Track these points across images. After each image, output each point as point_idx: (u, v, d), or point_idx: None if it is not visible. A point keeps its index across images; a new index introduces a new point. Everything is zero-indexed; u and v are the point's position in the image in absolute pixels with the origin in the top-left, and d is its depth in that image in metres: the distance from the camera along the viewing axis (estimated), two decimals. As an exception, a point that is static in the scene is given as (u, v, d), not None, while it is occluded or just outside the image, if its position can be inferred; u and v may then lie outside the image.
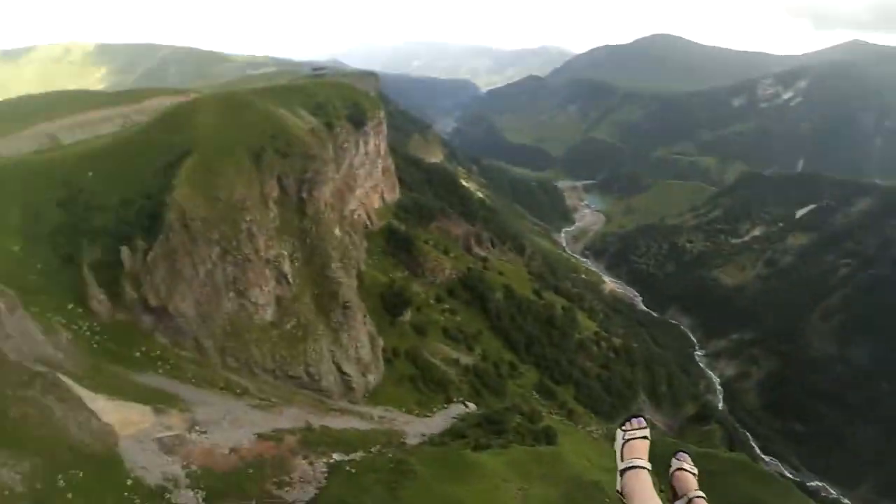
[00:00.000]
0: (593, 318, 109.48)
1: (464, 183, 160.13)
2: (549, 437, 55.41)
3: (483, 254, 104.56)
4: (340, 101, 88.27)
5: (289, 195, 65.13)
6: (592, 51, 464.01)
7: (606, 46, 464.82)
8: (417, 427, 59.32)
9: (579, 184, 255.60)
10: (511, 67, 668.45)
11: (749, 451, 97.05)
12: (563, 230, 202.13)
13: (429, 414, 64.60)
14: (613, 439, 3.22)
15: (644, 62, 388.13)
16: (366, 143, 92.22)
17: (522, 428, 59.08)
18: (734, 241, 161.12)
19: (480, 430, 57.92)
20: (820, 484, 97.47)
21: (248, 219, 56.94)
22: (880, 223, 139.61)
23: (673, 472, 3.24)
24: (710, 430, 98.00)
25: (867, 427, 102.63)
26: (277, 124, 69.26)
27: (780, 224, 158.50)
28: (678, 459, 3.28)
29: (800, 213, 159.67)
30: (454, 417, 64.20)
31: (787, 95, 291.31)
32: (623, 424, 3.19)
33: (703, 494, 2.99)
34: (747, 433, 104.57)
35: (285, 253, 60.94)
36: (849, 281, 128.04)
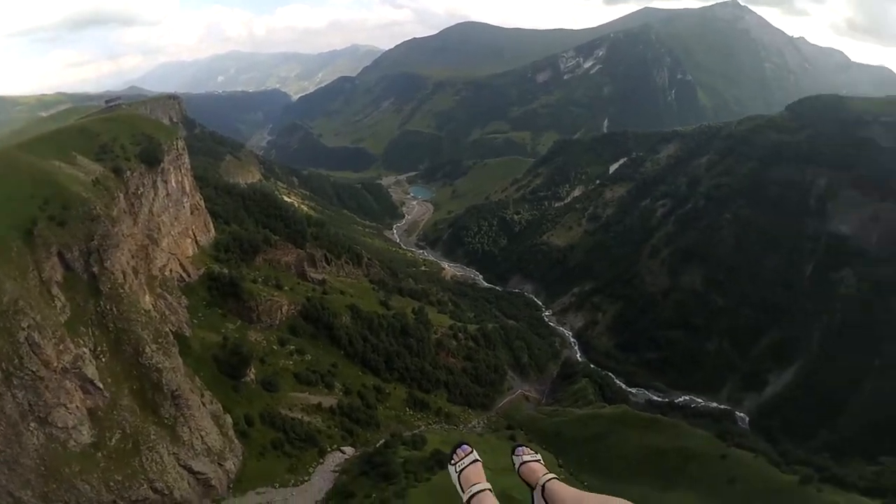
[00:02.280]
0: (444, 311, 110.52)
1: (286, 199, 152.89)
2: (440, 461, 53.03)
3: (320, 276, 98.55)
4: (129, 137, 74.83)
5: (76, 273, 52.45)
6: (400, 45, 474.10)
7: (414, 40, 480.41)
8: (298, 501, 53.73)
9: (403, 177, 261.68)
10: (321, 71, 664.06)
11: (617, 390, 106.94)
12: (395, 226, 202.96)
13: (305, 478, 58.81)
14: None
15: (451, 51, 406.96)
16: (165, 182, 78.70)
17: (411, 461, 56.73)
18: (557, 204, 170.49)
19: (367, 480, 54.32)
20: (687, 397, 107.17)
21: (25, 324, 43.71)
22: (686, 164, 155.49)
23: (518, 469, 3.26)
24: (579, 386, 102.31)
25: (713, 339, 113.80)
26: (50, 184, 55.78)
27: (597, 181, 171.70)
28: (517, 455, 3.33)
29: (613, 167, 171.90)
30: (334, 470, 59.90)
31: (587, 65, 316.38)
32: (451, 459, 3.23)
33: (553, 475, 3.04)
34: (610, 374, 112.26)
35: (86, 351, 48.57)
36: (668, 219, 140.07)
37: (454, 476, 3.15)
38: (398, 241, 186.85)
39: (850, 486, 61.76)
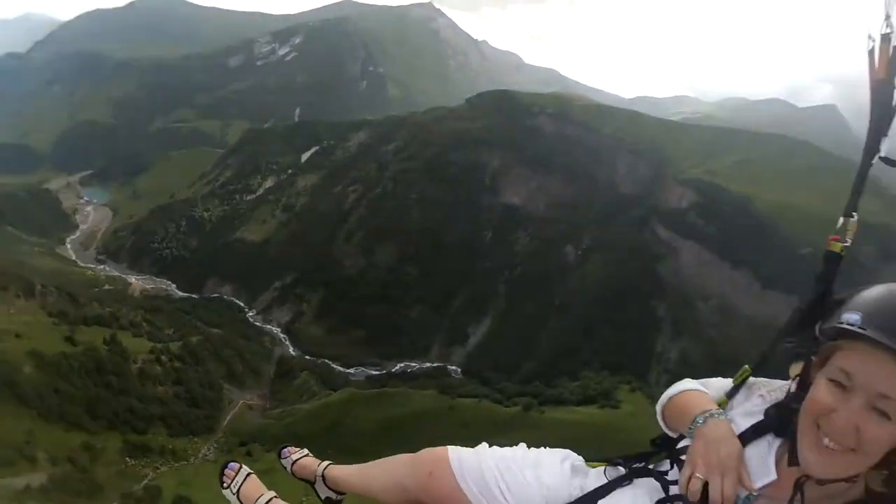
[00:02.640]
0: (140, 333, 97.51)
1: None
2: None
3: None
4: None
5: None
6: (81, 17, 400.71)
7: (98, 11, 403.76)
8: None
9: (75, 178, 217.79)
10: None
11: (337, 374, 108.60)
12: (68, 240, 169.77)
13: None
14: (231, 450, 2.90)
15: (140, 27, 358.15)
16: None
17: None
18: (249, 197, 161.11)
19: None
20: (402, 364, 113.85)
21: None
22: (375, 151, 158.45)
23: (292, 470, 3.17)
24: (300, 381, 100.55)
25: (413, 308, 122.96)
26: None
27: (289, 171, 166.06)
28: (285, 458, 3.20)
29: (304, 157, 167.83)
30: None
31: (282, 52, 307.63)
32: (222, 483, 3.01)
33: (329, 462, 3.02)
34: (326, 360, 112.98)
35: None
36: (360, 203, 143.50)
37: (233, 499, 2.86)
38: (74, 257, 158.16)
39: (566, 402, 74.47)
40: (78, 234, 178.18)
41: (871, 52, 1.80)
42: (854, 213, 1.81)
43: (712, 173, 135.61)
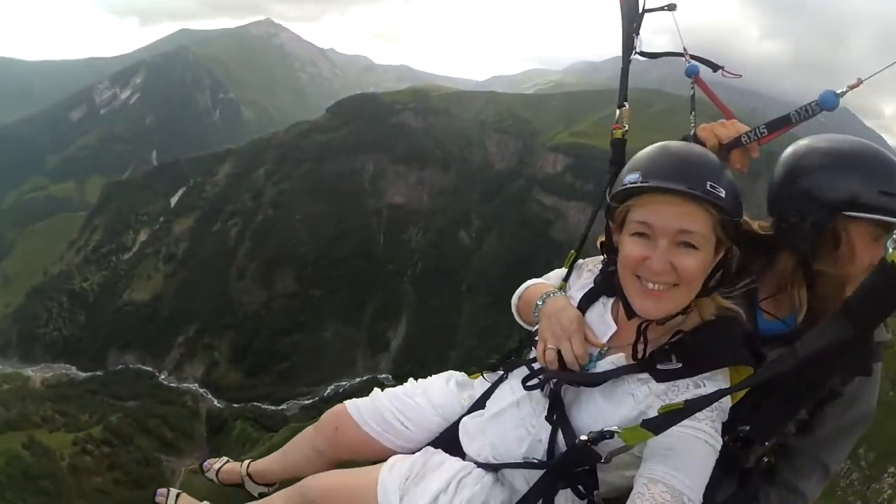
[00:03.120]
0: (57, 427, 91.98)
1: None
2: None
3: None
4: None
5: None
6: None
7: None
8: None
9: None
10: None
11: (272, 414, 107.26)
12: None
13: None
14: None
15: None
16: None
17: None
18: (127, 256, 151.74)
19: None
20: (333, 385, 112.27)
21: None
22: (246, 179, 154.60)
23: (218, 480, 3.25)
24: (238, 431, 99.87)
25: (326, 327, 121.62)
26: None
27: (161, 218, 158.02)
28: (207, 471, 3.28)
29: (174, 200, 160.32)
30: None
31: (125, 94, 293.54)
32: None
33: (249, 459, 3.11)
34: (255, 403, 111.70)
35: None
36: (244, 236, 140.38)
37: None
38: None
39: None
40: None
41: None
42: (625, 104, 2.19)
43: (577, 135, 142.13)
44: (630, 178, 1.68)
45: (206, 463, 3.28)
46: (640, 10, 2.16)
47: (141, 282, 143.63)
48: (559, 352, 1.86)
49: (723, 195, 1.62)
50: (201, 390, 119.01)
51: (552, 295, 2.08)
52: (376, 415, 2.28)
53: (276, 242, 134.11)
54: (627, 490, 1.60)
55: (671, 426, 1.49)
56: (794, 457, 1.92)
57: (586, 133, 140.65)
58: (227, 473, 3.16)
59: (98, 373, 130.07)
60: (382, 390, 2.38)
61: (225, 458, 3.29)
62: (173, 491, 2.88)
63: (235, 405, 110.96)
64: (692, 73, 2.05)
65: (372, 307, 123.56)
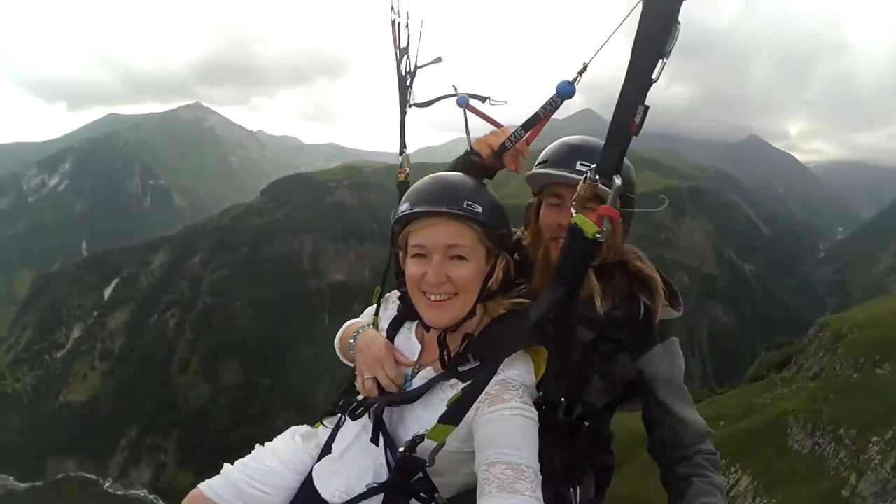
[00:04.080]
0: None
1: None
2: None
3: None
4: None
5: None
6: None
7: None
8: None
9: None
10: None
11: None
12: None
13: None
14: None
15: None
16: None
17: None
18: (60, 353, 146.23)
19: None
20: None
21: None
22: (181, 267, 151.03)
23: None
24: None
25: (279, 418, 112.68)
26: None
27: (95, 313, 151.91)
28: None
29: (107, 292, 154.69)
30: None
31: (53, 181, 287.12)
32: None
33: None
34: None
35: None
36: (183, 328, 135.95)
37: None
38: None
39: None
40: None
41: (393, 23, 2.42)
42: (405, 150, 2.62)
43: (506, 197, 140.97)
44: (403, 207, 1.92)
45: None
46: (413, 68, 2.47)
47: (77, 381, 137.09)
48: (376, 379, 2.05)
49: (480, 210, 1.86)
50: (151, 496, 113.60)
51: (362, 330, 2.28)
52: (232, 489, 2.27)
53: (218, 332, 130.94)
54: (475, 485, 1.70)
55: (463, 413, 1.67)
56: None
57: (513, 195, 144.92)
58: None
59: (37, 483, 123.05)
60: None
61: None
62: None
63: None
64: (462, 103, 2.28)
65: (322, 390, 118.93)
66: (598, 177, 1.53)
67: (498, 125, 2.28)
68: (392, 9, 2.40)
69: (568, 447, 2.02)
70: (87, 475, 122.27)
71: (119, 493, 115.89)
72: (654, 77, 1.41)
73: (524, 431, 1.72)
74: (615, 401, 2.20)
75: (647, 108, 1.44)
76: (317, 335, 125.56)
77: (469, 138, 2.31)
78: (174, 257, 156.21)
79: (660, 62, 1.39)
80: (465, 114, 2.32)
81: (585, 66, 1.73)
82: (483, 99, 2.31)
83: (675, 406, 2.19)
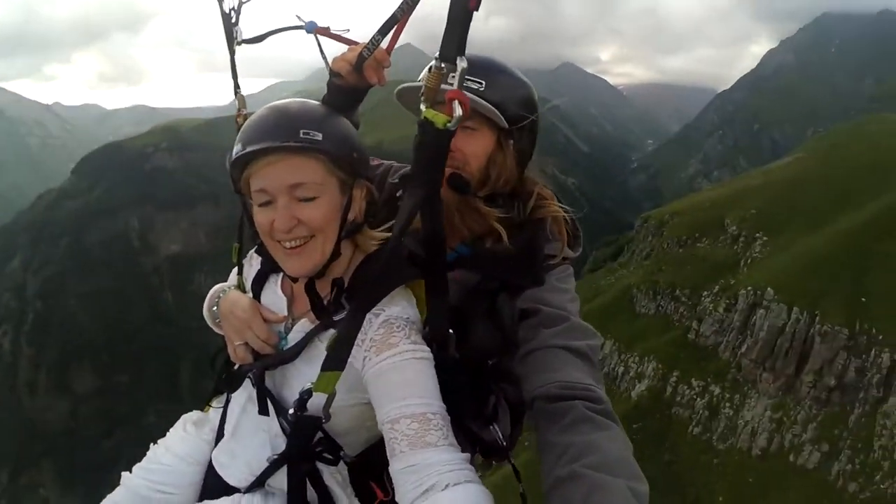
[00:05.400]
0: None
1: None
2: None
3: None
4: None
5: None
6: None
7: None
8: None
9: None
10: None
11: None
12: None
13: None
14: None
15: None
16: None
17: None
18: None
19: None
20: None
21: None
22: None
23: None
24: None
25: (153, 405, 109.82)
26: None
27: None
28: None
29: None
30: None
31: None
32: None
33: None
34: None
35: None
36: (18, 344, 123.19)
37: None
38: None
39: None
40: None
41: None
42: (239, 90, 2.28)
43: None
44: (235, 150, 1.69)
45: None
46: (238, 3, 2.17)
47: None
48: (248, 344, 1.87)
49: (319, 138, 1.62)
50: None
51: (223, 292, 2.08)
52: (135, 498, 2.09)
53: (59, 339, 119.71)
54: (380, 437, 1.62)
55: (345, 355, 1.53)
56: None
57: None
58: None
59: None
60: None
61: None
62: None
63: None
64: (312, 30, 2.03)
65: (186, 370, 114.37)
66: (443, 64, 1.41)
67: (353, 43, 2.04)
68: None
69: (475, 385, 1.83)
70: None
71: None
72: None
73: (420, 375, 1.60)
74: (512, 343, 1.92)
75: None
76: (164, 315, 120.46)
77: (327, 64, 2.08)
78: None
79: None
80: (317, 40, 2.08)
81: None
82: (324, 30, 2.09)
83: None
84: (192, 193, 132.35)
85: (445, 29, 1.42)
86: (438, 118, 1.42)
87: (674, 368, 42.66)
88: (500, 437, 1.80)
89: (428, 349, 1.66)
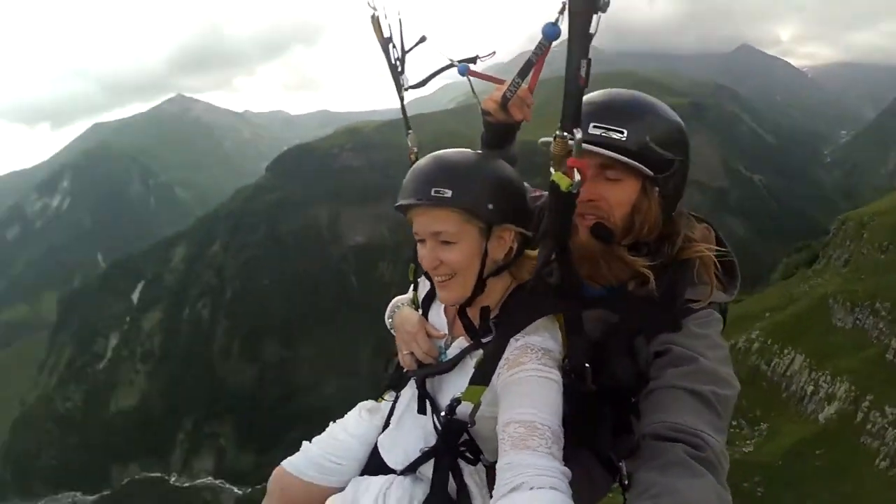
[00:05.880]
0: None
1: None
2: None
3: None
4: None
5: None
6: None
7: None
8: None
9: None
10: None
11: None
12: None
13: None
14: None
15: None
16: None
17: None
18: (102, 365, 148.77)
19: None
20: None
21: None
22: (203, 258, 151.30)
23: None
24: None
25: (329, 384, 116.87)
26: None
27: (128, 318, 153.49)
28: None
29: (135, 296, 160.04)
30: None
31: (55, 202, 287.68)
32: None
33: None
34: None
35: None
36: (218, 315, 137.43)
37: None
38: None
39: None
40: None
41: (373, 17, 2.45)
42: (410, 131, 2.83)
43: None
44: (399, 200, 2.03)
45: None
46: (402, 53, 2.48)
47: (124, 387, 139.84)
48: (413, 353, 2.24)
49: (449, 195, 1.88)
50: (217, 481, 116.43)
51: (398, 308, 2.49)
52: (310, 463, 2.55)
53: (252, 313, 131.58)
54: None
55: (489, 373, 1.86)
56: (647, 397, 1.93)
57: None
58: None
59: (106, 492, 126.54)
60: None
61: None
62: None
63: (258, 486, 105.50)
64: (463, 72, 2.24)
65: (365, 351, 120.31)
66: (564, 133, 1.60)
67: (500, 81, 2.18)
68: (369, 4, 2.45)
69: (617, 419, 1.98)
70: (152, 475, 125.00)
71: (186, 484, 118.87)
72: (591, 31, 1.52)
73: (539, 389, 1.78)
74: (645, 382, 1.97)
75: (589, 61, 1.56)
76: (348, 298, 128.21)
77: (479, 102, 2.28)
78: (194, 249, 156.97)
79: (595, 17, 1.49)
80: (469, 81, 2.28)
81: (565, 4, 1.63)
82: (473, 60, 2.28)
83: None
84: (376, 190, 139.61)
85: (563, 102, 1.61)
86: (563, 181, 1.60)
87: (867, 391, 37.53)
88: (624, 474, 1.86)
89: (557, 373, 1.84)
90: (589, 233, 1.98)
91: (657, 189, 1.99)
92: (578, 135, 1.58)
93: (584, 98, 1.85)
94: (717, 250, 2.08)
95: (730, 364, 1.90)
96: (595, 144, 1.88)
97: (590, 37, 1.49)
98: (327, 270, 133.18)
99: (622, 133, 1.91)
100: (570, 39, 1.52)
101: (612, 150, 1.88)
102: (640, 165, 1.90)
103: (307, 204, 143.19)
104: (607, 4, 1.44)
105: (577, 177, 1.59)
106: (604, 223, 1.97)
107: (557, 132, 1.61)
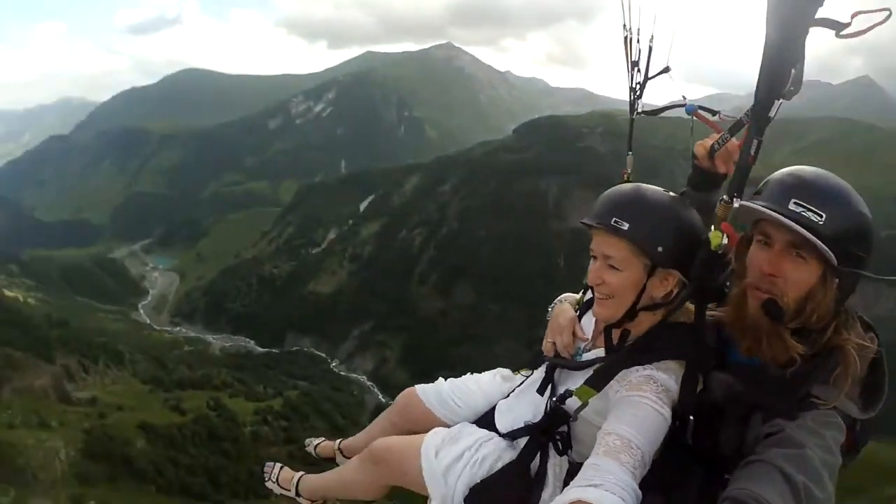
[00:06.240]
0: (236, 393, 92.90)
1: (8, 294, 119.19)
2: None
3: (87, 394, 71.98)
4: None
5: None
6: (117, 97, 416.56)
7: (133, 89, 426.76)
8: None
9: (137, 246, 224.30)
10: (28, 131, 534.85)
11: None
12: (140, 305, 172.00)
13: None
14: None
15: (175, 101, 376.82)
16: None
17: None
18: (315, 251, 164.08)
19: None
20: None
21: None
22: (431, 193, 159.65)
23: (278, 483, 3.48)
24: None
25: (499, 343, 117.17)
26: None
27: (350, 221, 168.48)
28: (266, 473, 3.56)
29: (363, 206, 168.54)
30: None
31: (318, 108, 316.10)
32: (264, 478, 3.53)
33: (302, 472, 3.39)
34: None
35: None
36: (428, 246, 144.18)
37: (275, 487, 3.35)
38: (149, 321, 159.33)
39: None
40: (149, 298, 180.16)
41: (625, 39, 2.61)
42: (630, 153, 3.05)
43: (771, 167, 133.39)
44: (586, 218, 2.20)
45: (266, 466, 3.57)
46: (644, 79, 2.64)
47: (326, 275, 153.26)
48: (554, 343, 2.43)
49: (625, 228, 2.01)
50: (368, 383, 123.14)
51: (559, 302, 2.71)
52: (437, 395, 2.84)
53: (459, 254, 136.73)
54: None
55: (604, 382, 2.02)
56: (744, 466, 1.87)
57: (781, 165, 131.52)
58: (323, 449, 3.78)
59: (274, 350, 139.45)
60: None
61: (322, 438, 3.90)
62: (278, 464, 3.45)
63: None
64: (691, 112, 2.36)
65: (543, 330, 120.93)
66: (728, 198, 1.77)
67: (720, 130, 2.28)
68: (624, 27, 2.57)
69: (707, 479, 2.00)
70: (318, 353, 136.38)
71: (342, 373, 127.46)
72: (771, 115, 1.66)
73: (647, 418, 1.89)
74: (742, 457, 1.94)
75: (760, 141, 1.72)
76: (549, 275, 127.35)
77: (692, 142, 2.39)
78: (427, 182, 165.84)
79: (776, 102, 1.61)
80: (692, 121, 2.39)
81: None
82: (714, 113, 2.37)
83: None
84: (612, 181, 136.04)
85: (734, 173, 1.80)
86: (715, 239, 1.76)
87: None
88: None
89: (668, 411, 1.94)
90: (760, 308, 1.95)
91: (837, 280, 1.92)
92: (735, 204, 1.75)
93: (790, 170, 2.05)
94: (871, 359, 1.98)
95: (834, 476, 1.78)
96: (792, 220, 1.85)
97: (768, 119, 1.64)
98: (540, 242, 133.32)
99: (821, 217, 1.85)
100: (751, 119, 1.69)
101: (807, 231, 1.82)
102: (830, 252, 1.83)
103: (542, 173, 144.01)
104: (792, 93, 1.53)
105: (725, 240, 1.75)
106: (777, 301, 1.93)
107: (725, 197, 1.75)
